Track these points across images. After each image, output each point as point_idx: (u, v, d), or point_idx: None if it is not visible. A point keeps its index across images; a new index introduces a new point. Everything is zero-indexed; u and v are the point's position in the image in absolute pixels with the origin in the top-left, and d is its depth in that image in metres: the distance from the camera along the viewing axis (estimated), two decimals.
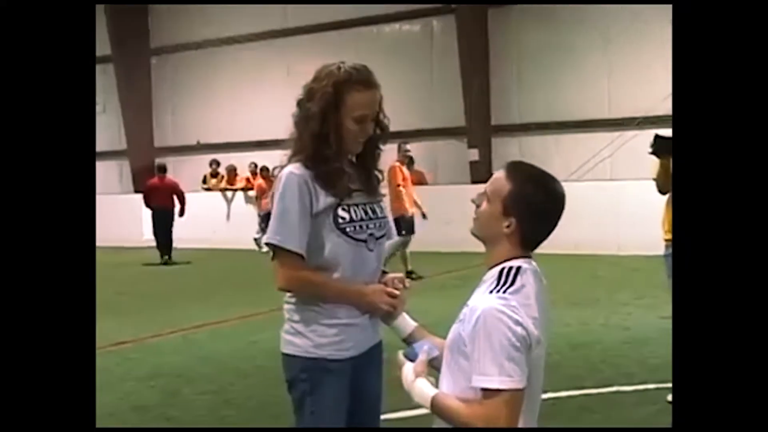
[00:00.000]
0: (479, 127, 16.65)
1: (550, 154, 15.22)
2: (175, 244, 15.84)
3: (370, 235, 3.01)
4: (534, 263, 2.44)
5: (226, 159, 19.35)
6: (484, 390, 2.26)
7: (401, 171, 11.92)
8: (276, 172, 3.06)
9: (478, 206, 2.47)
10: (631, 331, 7.69)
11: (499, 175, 2.45)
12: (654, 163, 5.63)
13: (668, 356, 6.45)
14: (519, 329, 2.25)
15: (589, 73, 15.76)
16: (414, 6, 17.16)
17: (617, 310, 8.82)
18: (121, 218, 18.47)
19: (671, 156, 5.00)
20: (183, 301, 11.02)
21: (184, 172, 20.69)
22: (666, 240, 5.51)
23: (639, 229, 12.99)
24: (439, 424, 2.45)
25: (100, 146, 17.19)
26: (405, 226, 11.74)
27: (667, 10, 16.37)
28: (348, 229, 2.95)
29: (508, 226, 2.40)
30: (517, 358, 2.24)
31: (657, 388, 5.76)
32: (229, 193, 18.59)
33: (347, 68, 2.93)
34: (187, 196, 16.22)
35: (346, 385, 3.01)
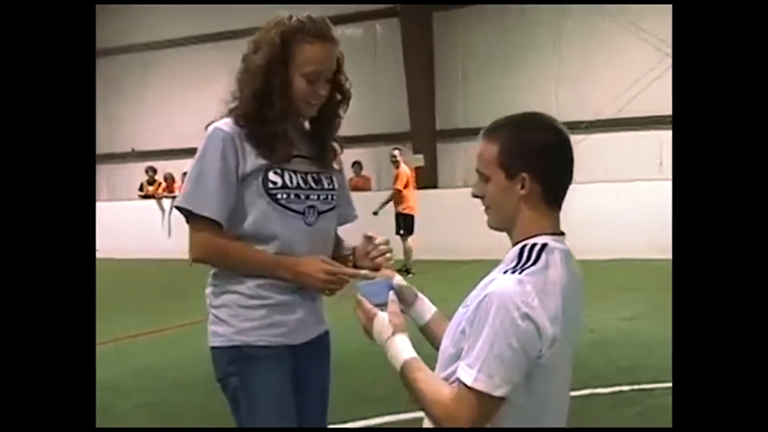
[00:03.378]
0: (424, 132, 16.37)
1: None
2: (111, 255, 15.22)
3: (310, 207, 2.59)
4: (566, 243, 1.99)
5: (161, 167, 18.70)
6: (459, 382, 1.84)
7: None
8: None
9: (482, 197, 2.03)
10: (596, 333, 7.42)
11: (480, 146, 2.03)
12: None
13: (636, 358, 6.21)
14: (525, 325, 1.81)
15: (536, 76, 15.59)
16: (358, 7, 16.75)
17: None
18: None
19: None
20: (117, 311, 10.39)
21: (118, 179, 20.01)
22: None
23: (588, 233, 12.83)
24: (428, 424, 1.99)
25: None
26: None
27: (617, 10, 16.31)
28: (280, 196, 2.54)
29: (522, 187, 1.96)
30: (508, 360, 1.80)
31: (632, 390, 5.50)
32: (166, 202, 17.94)
33: (300, 17, 2.52)
34: (122, 205, 15.69)
35: (284, 373, 2.53)
